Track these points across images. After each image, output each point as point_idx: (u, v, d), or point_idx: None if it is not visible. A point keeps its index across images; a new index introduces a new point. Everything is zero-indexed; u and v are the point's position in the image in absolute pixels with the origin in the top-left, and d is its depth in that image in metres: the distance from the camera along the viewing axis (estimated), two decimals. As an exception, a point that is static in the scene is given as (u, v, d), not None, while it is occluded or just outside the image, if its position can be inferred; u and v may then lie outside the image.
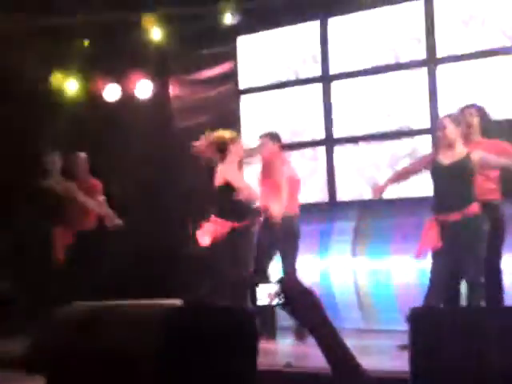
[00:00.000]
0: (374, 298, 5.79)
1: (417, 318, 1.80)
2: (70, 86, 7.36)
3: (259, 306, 1.62)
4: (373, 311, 5.81)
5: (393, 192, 5.17)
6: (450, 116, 4.68)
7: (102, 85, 7.31)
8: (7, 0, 5.92)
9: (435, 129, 5.10)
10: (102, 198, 6.15)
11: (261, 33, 6.66)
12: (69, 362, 1.87)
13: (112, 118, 7.16)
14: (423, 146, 5.86)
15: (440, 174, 4.57)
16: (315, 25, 6.37)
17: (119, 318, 2.12)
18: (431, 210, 4.62)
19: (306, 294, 1.59)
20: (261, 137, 5.58)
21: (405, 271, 5.60)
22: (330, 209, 6.29)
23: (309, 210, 5.88)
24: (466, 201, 4.45)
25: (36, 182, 5.96)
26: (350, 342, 1.65)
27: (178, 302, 2.26)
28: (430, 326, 1.79)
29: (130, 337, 1.98)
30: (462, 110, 4.84)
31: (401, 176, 4.94)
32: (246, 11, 6.40)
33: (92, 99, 7.35)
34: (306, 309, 1.57)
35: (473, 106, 4.92)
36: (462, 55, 5.74)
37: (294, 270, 5.35)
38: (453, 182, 4.46)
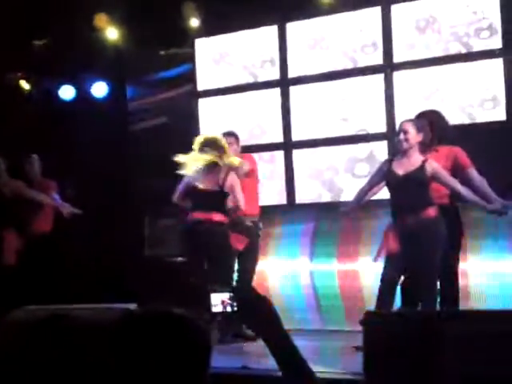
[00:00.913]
0: (326, 300, 5.85)
1: (371, 321, 1.82)
2: (23, 85, 7.24)
3: (213, 313, 1.62)
4: (324, 312, 5.87)
5: (351, 195, 5.21)
6: (411, 121, 4.70)
7: (57, 84, 7.20)
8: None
9: (393, 133, 5.18)
10: (56, 195, 6.03)
11: (219, 36, 6.65)
12: (18, 367, 1.82)
13: (67, 118, 7.05)
14: (379, 150, 5.94)
15: (395, 183, 4.60)
16: (273, 29, 6.40)
17: (70, 322, 2.09)
18: (390, 215, 4.67)
19: (259, 301, 1.58)
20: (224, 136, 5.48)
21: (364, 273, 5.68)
22: (289, 211, 6.32)
23: (268, 212, 5.90)
24: (421, 205, 4.50)
25: None
26: (301, 343, 1.66)
27: (131, 306, 2.24)
28: (383, 329, 1.81)
29: (84, 342, 1.95)
30: (418, 118, 4.87)
31: (365, 196, 4.89)
32: (205, 14, 6.39)
33: (46, 99, 7.24)
34: (258, 316, 1.57)
35: (425, 113, 4.97)
36: (418, 61, 5.84)
37: (249, 276, 5.32)
38: (408, 189, 4.51)
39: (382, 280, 4.63)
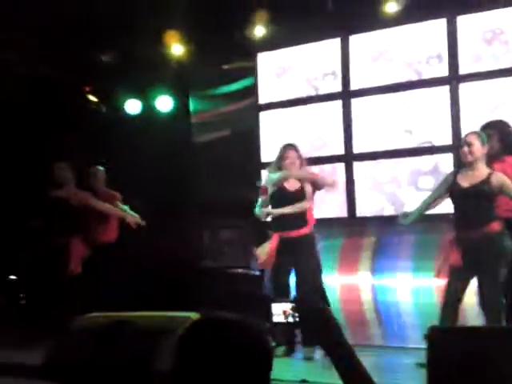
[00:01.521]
0: (393, 315, 5.75)
1: (435, 336, 1.78)
2: (91, 98, 7.47)
3: (274, 323, 1.62)
4: (391, 328, 5.77)
5: (411, 208, 5.13)
6: (476, 133, 4.58)
7: (124, 99, 7.41)
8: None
9: (458, 145, 5.06)
10: (124, 206, 6.18)
11: (281, 49, 6.69)
12: (86, 372, 1.87)
13: (133, 131, 7.23)
14: (445, 162, 5.82)
15: (459, 196, 4.49)
16: (336, 42, 6.39)
17: (136, 329, 2.13)
18: (452, 229, 4.57)
19: (321, 313, 1.57)
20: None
21: (424, 289, 5.56)
22: (350, 224, 6.27)
23: (328, 225, 5.86)
24: (486, 219, 4.39)
25: (49, 192, 5.96)
26: (365, 359, 1.64)
27: (194, 315, 2.27)
28: (448, 345, 1.77)
29: (147, 349, 1.98)
30: (484, 128, 4.77)
31: (427, 208, 4.82)
32: (268, 28, 6.45)
33: (113, 112, 7.44)
34: (320, 328, 1.56)
35: (491, 123, 4.87)
36: (485, 73, 5.71)
37: (311, 288, 5.30)
38: (472, 202, 4.40)
39: (445, 295, 4.53)
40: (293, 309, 1.59)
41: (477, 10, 5.73)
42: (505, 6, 5.60)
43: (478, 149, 4.45)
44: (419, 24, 5.99)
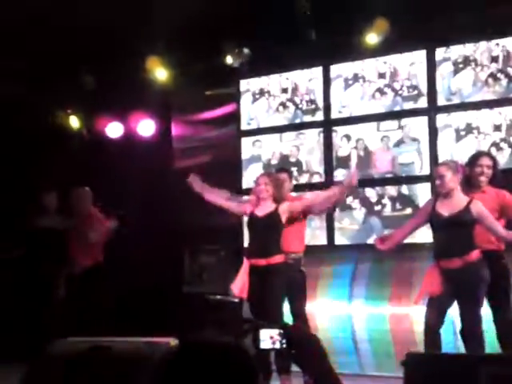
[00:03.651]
0: (370, 344, 5.75)
1: (412, 362, 1.80)
2: (72, 121, 7.46)
3: (262, 349, 1.62)
4: (369, 356, 5.77)
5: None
6: (445, 164, 4.68)
7: (105, 122, 7.41)
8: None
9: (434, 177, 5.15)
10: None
11: (264, 77, 6.76)
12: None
13: (114, 155, 7.23)
14: (423, 192, 5.89)
15: (439, 225, 4.55)
16: (318, 71, 6.48)
17: (114, 355, 2.12)
18: (433, 257, 4.62)
19: (310, 341, 1.57)
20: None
21: (401, 317, 5.58)
22: (329, 252, 6.29)
23: (307, 252, 5.87)
24: (466, 248, 4.45)
25: (33, 221, 5.98)
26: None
27: (173, 340, 2.26)
28: (425, 370, 1.79)
29: (123, 375, 1.97)
30: (477, 158, 4.83)
31: (406, 234, 4.87)
32: (250, 55, 6.52)
33: (94, 137, 7.44)
34: (309, 356, 1.55)
35: (487, 154, 4.95)
36: (461, 104, 5.83)
37: (300, 315, 5.23)
38: (453, 231, 4.45)
39: (425, 323, 4.56)
40: (280, 335, 1.59)
41: (455, 43, 5.87)
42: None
43: (451, 179, 4.51)
44: (399, 55, 6.11)
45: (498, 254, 4.67)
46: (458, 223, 4.45)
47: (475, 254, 4.43)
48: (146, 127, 7.42)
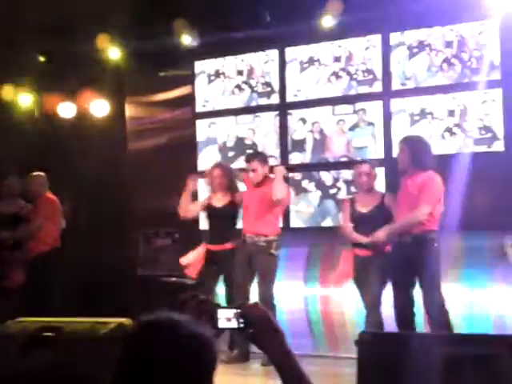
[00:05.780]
0: (324, 325, 5.84)
1: (363, 341, 1.82)
2: (22, 100, 7.27)
3: (219, 329, 1.60)
4: (322, 337, 5.85)
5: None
6: (368, 163, 5.28)
7: (57, 102, 7.24)
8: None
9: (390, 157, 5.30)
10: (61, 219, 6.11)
11: (219, 58, 6.71)
12: (9, 381, 1.80)
13: (66, 135, 7.09)
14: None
15: (360, 221, 5.11)
16: (274, 53, 6.46)
17: (66, 335, 2.09)
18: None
19: (267, 320, 1.56)
20: (249, 160, 5.57)
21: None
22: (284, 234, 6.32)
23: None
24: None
25: None
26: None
27: (126, 320, 2.24)
28: (377, 349, 1.82)
29: (73, 354, 1.94)
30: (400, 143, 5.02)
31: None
32: (204, 36, 6.44)
33: (45, 116, 7.27)
34: (266, 336, 1.54)
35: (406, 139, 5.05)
36: (415, 89, 5.91)
37: (267, 297, 5.29)
38: (374, 224, 4.93)
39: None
40: (237, 314, 1.58)
41: (408, 28, 5.92)
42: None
43: (374, 176, 5.21)
44: (354, 39, 6.14)
45: (428, 237, 4.73)
46: (376, 218, 5.02)
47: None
48: (100, 108, 7.27)
